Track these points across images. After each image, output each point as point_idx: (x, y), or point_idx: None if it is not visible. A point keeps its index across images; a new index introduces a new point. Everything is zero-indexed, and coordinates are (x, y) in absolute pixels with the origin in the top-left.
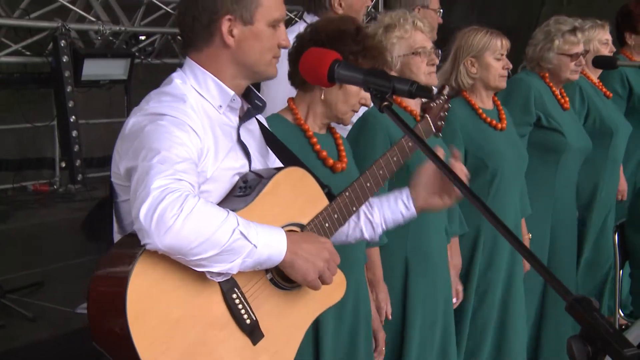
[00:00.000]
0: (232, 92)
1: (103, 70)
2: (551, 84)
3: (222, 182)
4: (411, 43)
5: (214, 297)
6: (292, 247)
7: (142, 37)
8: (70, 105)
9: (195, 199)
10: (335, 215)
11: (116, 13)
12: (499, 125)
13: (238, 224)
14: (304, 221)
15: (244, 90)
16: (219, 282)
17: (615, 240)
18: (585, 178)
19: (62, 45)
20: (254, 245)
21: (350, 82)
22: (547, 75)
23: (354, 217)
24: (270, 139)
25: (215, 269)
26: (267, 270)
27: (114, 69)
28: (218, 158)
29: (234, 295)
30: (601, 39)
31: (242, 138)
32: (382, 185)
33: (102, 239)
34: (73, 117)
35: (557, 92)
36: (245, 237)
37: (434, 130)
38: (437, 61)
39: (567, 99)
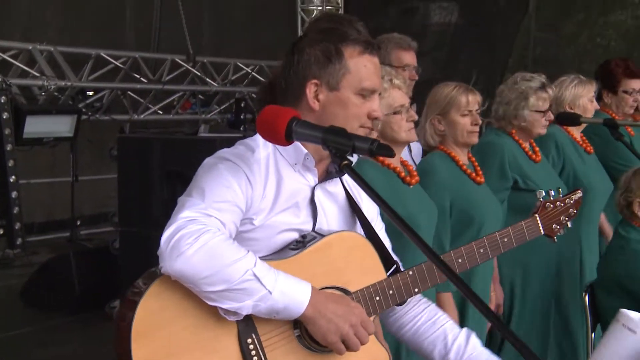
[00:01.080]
0: (305, 151)
1: (47, 128)
2: (520, 140)
3: (271, 233)
4: (390, 102)
5: (228, 335)
6: (317, 303)
7: (90, 93)
8: (10, 165)
9: (216, 233)
10: (391, 292)
11: (62, 68)
12: (477, 179)
13: (255, 266)
14: (351, 288)
15: (326, 154)
16: (236, 322)
17: (586, 301)
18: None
19: (3, 101)
20: (269, 290)
21: (309, 140)
22: (514, 131)
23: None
24: (354, 205)
25: (224, 306)
26: (295, 325)
27: (58, 125)
28: (274, 210)
29: (249, 340)
30: (589, 96)
31: (315, 198)
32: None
33: (41, 307)
34: (13, 177)
35: (526, 146)
36: (259, 280)
37: (542, 232)
38: (416, 117)
39: (537, 149)
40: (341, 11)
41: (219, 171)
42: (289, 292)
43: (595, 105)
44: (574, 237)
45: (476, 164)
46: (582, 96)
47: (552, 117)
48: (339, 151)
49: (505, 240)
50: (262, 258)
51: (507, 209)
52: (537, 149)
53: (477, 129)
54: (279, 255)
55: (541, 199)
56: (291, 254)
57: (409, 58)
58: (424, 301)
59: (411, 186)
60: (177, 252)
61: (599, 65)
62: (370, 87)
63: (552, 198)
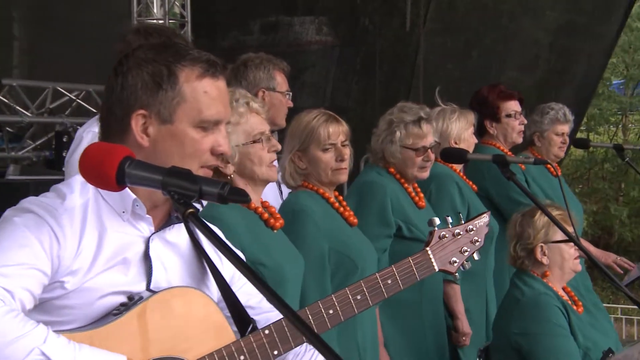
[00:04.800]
0: (133, 196)
1: None
2: (403, 181)
3: (91, 298)
4: (248, 129)
5: None
6: None
7: None
8: None
9: None
10: (242, 357)
11: None
12: (351, 219)
13: (44, 342)
14: (189, 357)
15: (163, 199)
16: None
17: None
18: (471, 292)
19: None
20: None
21: (146, 185)
22: (393, 170)
23: None
24: (204, 255)
25: None
26: None
27: None
28: (93, 270)
29: None
30: (471, 129)
31: (151, 251)
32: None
33: None
34: None
35: (410, 189)
36: (49, 359)
37: (436, 268)
38: (279, 147)
39: (421, 195)
40: (188, 28)
41: (14, 227)
42: None
43: (474, 138)
44: (481, 287)
45: (344, 203)
46: (466, 129)
47: (432, 157)
48: (183, 197)
49: (389, 282)
50: (76, 330)
51: (389, 261)
52: (422, 195)
53: (344, 164)
54: (97, 324)
55: (435, 227)
56: (111, 320)
57: (286, 82)
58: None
59: (275, 230)
60: None
61: (472, 96)
62: (212, 117)
63: (449, 226)
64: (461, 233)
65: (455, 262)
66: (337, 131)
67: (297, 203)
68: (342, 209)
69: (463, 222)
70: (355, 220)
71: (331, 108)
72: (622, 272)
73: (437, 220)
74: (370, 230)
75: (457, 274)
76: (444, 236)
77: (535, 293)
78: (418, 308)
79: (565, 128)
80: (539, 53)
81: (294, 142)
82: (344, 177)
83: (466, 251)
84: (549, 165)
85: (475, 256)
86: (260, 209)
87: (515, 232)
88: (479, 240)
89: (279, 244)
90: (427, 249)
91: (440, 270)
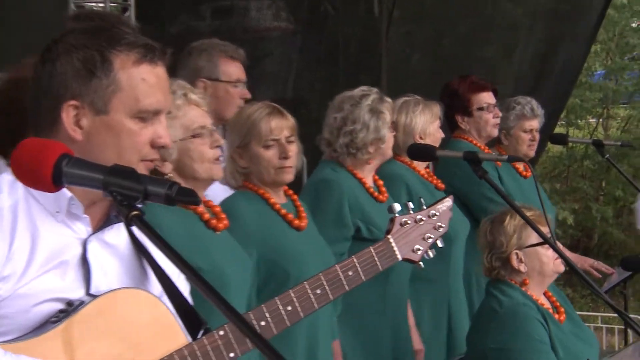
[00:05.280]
0: (69, 194)
1: None
2: (360, 175)
3: (26, 305)
4: (186, 122)
5: None
6: None
7: None
8: None
9: None
10: None
11: None
12: (296, 223)
13: None
14: None
15: (101, 197)
16: None
17: None
18: (425, 302)
19: None
20: None
21: (86, 185)
22: (350, 166)
23: None
24: (146, 256)
25: None
26: None
27: None
28: (27, 275)
29: None
30: (437, 123)
31: (89, 254)
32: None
33: None
34: None
35: (369, 183)
36: None
37: (399, 257)
38: (221, 142)
39: (383, 189)
40: (131, 12)
41: None
42: None
43: (441, 132)
44: (441, 295)
45: (299, 202)
46: (431, 123)
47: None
48: (127, 199)
49: (351, 274)
50: (12, 341)
51: None
52: (384, 189)
53: (288, 162)
54: (34, 334)
55: (396, 214)
56: (49, 328)
57: (240, 71)
58: None
59: (218, 232)
60: None
61: (442, 89)
62: (151, 106)
63: (411, 212)
64: (423, 219)
65: (419, 250)
66: (281, 125)
67: (229, 205)
68: (284, 211)
69: (425, 207)
70: (304, 224)
71: (293, 99)
72: (600, 276)
73: (397, 207)
74: (325, 233)
75: (420, 263)
76: (406, 223)
77: (514, 303)
78: (380, 312)
79: (534, 124)
80: (517, 40)
81: (234, 138)
82: (288, 177)
83: (430, 238)
84: (516, 164)
85: (439, 243)
86: (200, 210)
87: (487, 242)
88: (443, 225)
89: (221, 247)
90: (389, 236)
91: (404, 259)
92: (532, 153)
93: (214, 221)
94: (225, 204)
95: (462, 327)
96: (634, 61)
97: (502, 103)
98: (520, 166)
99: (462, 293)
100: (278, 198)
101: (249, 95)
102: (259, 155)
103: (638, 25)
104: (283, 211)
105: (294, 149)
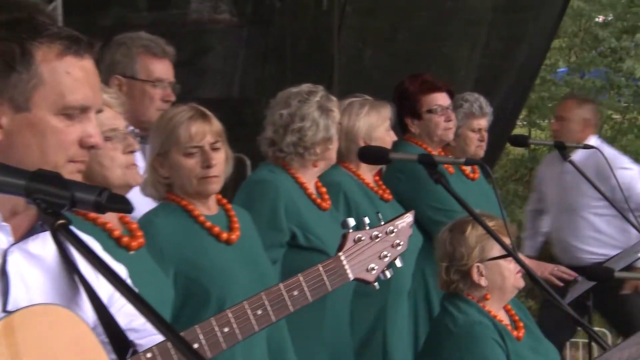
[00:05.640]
0: None
1: None
2: (302, 179)
3: None
4: None
5: None
6: None
7: None
8: None
9: None
10: None
11: None
12: (225, 236)
13: None
14: None
15: (25, 204)
16: None
17: None
18: (362, 318)
19: None
20: None
21: (6, 191)
22: (292, 170)
23: None
24: (74, 269)
25: None
26: None
27: None
28: None
29: None
30: (385, 125)
31: (9, 266)
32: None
33: None
34: None
35: (311, 189)
36: None
37: (350, 276)
38: (136, 147)
39: (325, 196)
40: (58, 2)
41: None
42: None
43: (393, 135)
44: (377, 312)
45: (232, 213)
46: (378, 126)
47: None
48: (52, 206)
49: (296, 293)
50: None
51: (281, 275)
52: (327, 195)
53: (212, 171)
54: None
55: (350, 230)
56: None
57: (163, 70)
58: None
59: (131, 251)
60: None
61: (394, 89)
62: (77, 102)
63: (366, 227)
64: (380, 235)
65: (373, 269)
66: (203, 131)
67: (146, 221)
68: (209, 223)
69: (382, 222)
70: (234, 237)
71: (239, 98)
72: (561, 284)
73: (351, 222)
74: (260, 236)
75: (376, 283)
76: (360, 239)
77: (470, 322)
78: (316, 334)
79: (483, 122)
80: (477, 35)
81: (154, 145)
82: (213, 187)
83: (386, 256)
84: (463, 167)
85: (397, 262)
86: (110, 226)
87: (446, 253)
88: (402, 243)
89: (132, 268)
90: (340, 254)
91: (356, 279)
92: (481, 153)
93: (125, 239)
94: (142, 219)
95: (399, 347)
96: (601, 56)
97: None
98: (467, 168)
99: (403, 310)
100: (206, 209)
101: (172, 97)
102: (179, 164)
103: (603, 20)
104: (208, 224)
105: (219, 156)
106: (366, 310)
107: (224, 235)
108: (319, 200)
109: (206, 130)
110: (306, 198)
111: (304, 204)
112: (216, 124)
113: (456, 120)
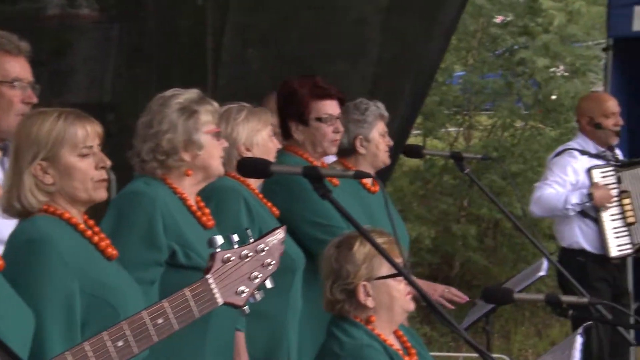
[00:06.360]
0: None
1: None
2: (180, 190)
3: None
4: None
5: None
6: None
7: None
8: None
9: None
10: None
11: None
12: (108, 251)
13: None
14: None
15: None
16: None
17: None
18: (259, 341)
19: None
20: None
21: None
22: (168, 179)
23: None
24: None
25: None
26: None
27: None
28: None
29: None
30: (267, 130)
31: None
32: None
33: None
34: None
35: (191, 201)
36: None
37: (219, 301)
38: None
39: (206, 211)
40: None
41: None
42: None
43: (277, 142)
44: (277, 333)
45: (93, 226)
46: (259, 130)
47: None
48: None
49: (160, 321)
50: None
51: (160, 296)
52: (207, 210)
53: (102, 176)
54: None
55: (217, 249)
56: None
57: (20, 68)
58: None
59: None
60: None
61: (278, 88)
62: None
63: (235, 246)
64: (250, 254)
65: (243, 292)
66: (94, 130)
67: (34, 230)
68: (93, 235)
69: (252, 240)
70: (113, 252)
71: (104, 105)
72: (453, 307)
73: (219, 240)
74: (132, 255)
75: (246, 307)
76: (229, 259)
77: (357, 345)
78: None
79: (385, 127)
80: (368, 35)
81: (32, 151)
82: (104, 194)
83: (257, 277)
84: (365, 181)
85: (268, 283)
86: None
87: (331, 270)
88: (272, 262)
89: None
90: (208, 276)
91: (225, 304)
92: (389, 161)
93: None
94: (26, 228)
95: None
96: (500, 58)
97: (346, 108)
98: (368, 181)
99: (294, 334)
100: (79, 218)
101: (34, 99)
102: (73, 167)
103: (502, 20)
104: (96, 238)
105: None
106: (266, 330)
107: (109, 250)
108: (199, 214)
109: (97, 130)
110: (187, 212)
111: (183, 218)
112: (98, 125)
113: (365, 124)
